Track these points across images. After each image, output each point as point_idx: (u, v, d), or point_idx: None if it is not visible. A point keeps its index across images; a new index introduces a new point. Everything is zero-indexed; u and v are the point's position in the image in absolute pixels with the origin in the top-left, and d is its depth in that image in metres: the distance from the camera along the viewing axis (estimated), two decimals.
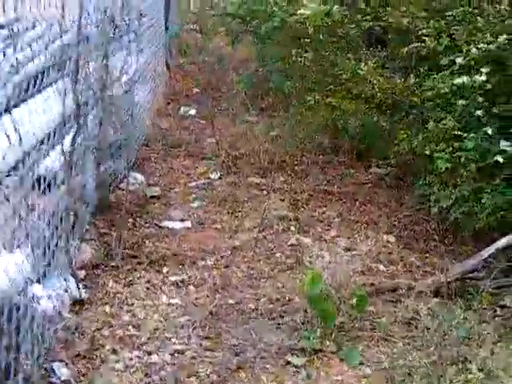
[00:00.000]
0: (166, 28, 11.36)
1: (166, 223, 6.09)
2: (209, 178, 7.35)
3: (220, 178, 7.35)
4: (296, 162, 7.77)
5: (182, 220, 6.20)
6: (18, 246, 3.74)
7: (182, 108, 9.92)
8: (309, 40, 7.72)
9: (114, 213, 5.86)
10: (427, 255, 5.72)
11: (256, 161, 7.66)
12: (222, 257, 5.49)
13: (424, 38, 5.85)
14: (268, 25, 7.64)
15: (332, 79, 7.47)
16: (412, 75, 6.44)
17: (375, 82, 6.27)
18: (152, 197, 6.68)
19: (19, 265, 3.51)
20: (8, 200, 3.65)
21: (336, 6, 6.18)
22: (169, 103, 10.28)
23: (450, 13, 5.77)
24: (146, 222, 6.07)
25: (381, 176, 7.35)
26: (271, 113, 9.62)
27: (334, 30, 7.22)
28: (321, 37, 7.55)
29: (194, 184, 7.16)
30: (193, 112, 9.78)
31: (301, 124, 8.37)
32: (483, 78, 4.97)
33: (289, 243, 5.78)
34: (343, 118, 7.51)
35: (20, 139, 3.55)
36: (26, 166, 3.70)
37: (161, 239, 5.73)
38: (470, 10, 5.69)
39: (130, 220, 6.02)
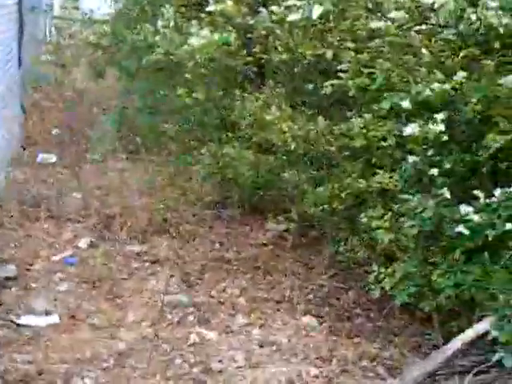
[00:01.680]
0: (20, 61, 9.86)
1: (25, 319, 4.71)
2: (77, 247, 6.03)
3: (91, 245, 6.05)
4: (180, 221, 6.55)
5: (47, 313, 4.82)
6: None
7: (39, 155, 8.47)
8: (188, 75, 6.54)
9: None
10: (357, 340, 4.76)
11: (133, 221, 6.42)
12: (104, 370, 4.12)
13: (342, 74, 4.73)
14: (148, 58, 6.31)
15: (220, 121, 6.37)
16: (321, 117, 5.37)
17: (287, 128, 5.07)
18: (7, 278, 5.27)
19: None
20: None
21: (233, 35, 4.95)
22: (24, 149, 8.75)
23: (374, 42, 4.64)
24: None
25: (280, 233, 6.39)
26: (145, 157, 8.37)
27: (224, 64, 6.03)
28: (203, 70, 6.40)
29: (58, 257, 5.80)
30: (53, 159, 8.43)
31: (182, 171, 7.17)
32: (441, 127, 3.83)
33: (189, 342, 4.53)
34: (232, 165, 6.34)
35: None
36: None
37: (20, 346, 4.34)
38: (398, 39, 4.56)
39: None
